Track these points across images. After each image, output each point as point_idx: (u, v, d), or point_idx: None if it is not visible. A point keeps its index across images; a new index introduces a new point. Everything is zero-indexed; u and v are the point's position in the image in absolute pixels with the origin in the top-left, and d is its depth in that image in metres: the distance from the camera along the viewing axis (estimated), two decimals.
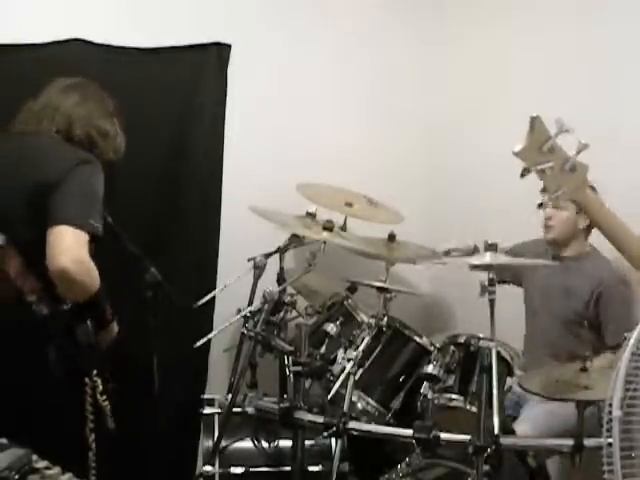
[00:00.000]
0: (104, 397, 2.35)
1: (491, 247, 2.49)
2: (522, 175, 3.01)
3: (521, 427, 2.77)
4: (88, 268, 2.18)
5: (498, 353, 2.40)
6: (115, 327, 2.51)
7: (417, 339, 2.88)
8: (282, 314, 2.91)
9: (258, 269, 3.10)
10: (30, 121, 2.43)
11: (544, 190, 1.80)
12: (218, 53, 3.53)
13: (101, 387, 2.35)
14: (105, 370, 2.37)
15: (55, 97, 2.45)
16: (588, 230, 3.01)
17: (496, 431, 2.21)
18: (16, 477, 1.64)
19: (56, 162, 2.28)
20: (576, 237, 3.05)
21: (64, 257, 2.11)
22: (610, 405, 1.54)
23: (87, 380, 2.34)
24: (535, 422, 2.82)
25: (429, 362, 2.68)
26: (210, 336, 2.91)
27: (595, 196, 1.91)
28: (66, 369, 2.29)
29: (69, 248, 2.13)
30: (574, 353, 2.59)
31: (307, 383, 2.68)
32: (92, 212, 2.22)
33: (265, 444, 2.83)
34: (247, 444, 2.84)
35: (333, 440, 2.71)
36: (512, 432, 2.65)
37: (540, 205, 2.20)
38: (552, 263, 3.04)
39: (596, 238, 2.70)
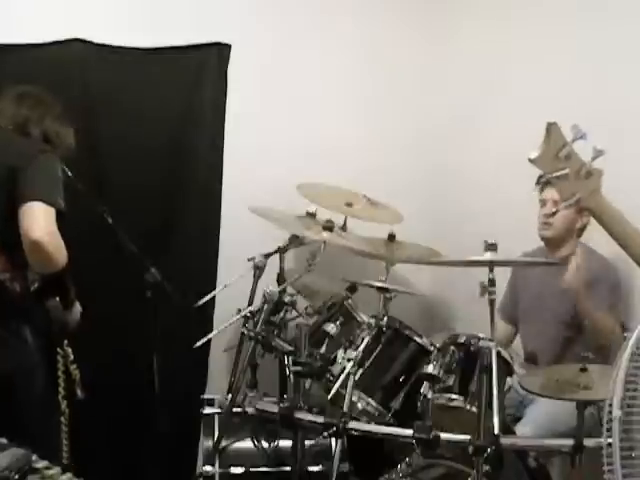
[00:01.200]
0: (74, 366, 2.54)
1: (491, 247, 2.49)
2: (538, 183, 2.99)
3: (523, 430, 2.77)
4: (58, 241, 2.34)
5: (498, 353, 2.39)
6: (79, 307, 2.64)
7: (417, 339, 2.88)
8: (282, 314, 2.90)
9: (258, 269, 3.11)
10: None
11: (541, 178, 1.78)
12: (218, 53, 3.53)
13: (72, 357, 2.54)
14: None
15: (8, 105, 2.60)
16: (582, 230, 3.02)
17: (496, 431, 2.21)
18: (16, 477, 1.64)
19: (20, 150, 2.47)
20: (571, 236, 3.05)
21: (38, 230, 2.29)
22: (610, 405, 1.54)
23: (59, 350, 2.53)
24: (536, 424, 2.82)
25: (429, 362, 2.67)
26: (210, 336, 2.91)
27: (608, 202, 1.86)
28: (43, 342, 2.44)
29: (43, 222, 2.31)
30: (575, 352, 2.60)
31: (307, 383, 2.69)
32: (58, 193, 2.41)
33: (265, 444, 2.83)
34: (247, 444, 2.84)
35: (333, 440, 2.71)
36: (512, 432, 2.65)
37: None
38: (552, 262, 3.03)
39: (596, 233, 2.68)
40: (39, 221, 2.30)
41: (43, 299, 2.49)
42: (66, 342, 2.55)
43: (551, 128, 1.71)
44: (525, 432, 2.75)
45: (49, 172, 2.44)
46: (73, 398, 2.55)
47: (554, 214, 2.98)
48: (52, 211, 2.34)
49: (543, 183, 2.96)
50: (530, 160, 1.72)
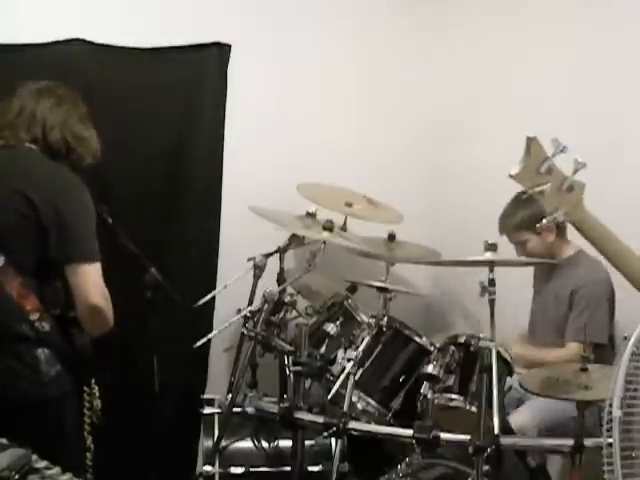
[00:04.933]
0: (97, 402, 2.42)
1: (491, 247, 2.49)
2: (518, 196, 2.99)
3: (520, 417, 2.79)
4: (109, 301, 2.26)
5: (498, 353, 2.40)
6: None
7: (417, 339, 2.89)
8: (282, 314, 2.90)
9: (258, 269, 3.11)
10: (5, 131, 2.36)
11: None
12: (218, 53, 3.52)
13: (97, 394, 2.41)
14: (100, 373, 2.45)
15: (29, 102, 2.37)
16: (562, 235, 3.02)
17: (496, 431, 2.21)
18: (16, 477, 1.64)
19: (46, 182, 2.27)
20: (555, 247, 3.06)
21: (96, 296, 2.21)
22: (610, 405, 1.54)
23: (85, 388, 2.40)
24: (534, 410, 2.83)
25: (429, 362, 2.68)
26: (210, 336, 2.91)
27: (591, 214, 1.85)
28: (59, 371, 2.29)
29: (97, 286, 2.22)
30: None
31: (307, 383, 2.69)
32: (95, 240, 2.28)
33: (265, 444, 2.83)
34: (247, 444, 2.85)
35: (333, 440, 2.71)
36: (512, 432, 2.66)
37: None
38: (552, 261, 3.05)
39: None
40: (95, 286, 2.21)
41: (71, 333, 2.33)
42: (93, 380, 2.41)
43: (531, 143, 1.67)
44: (519, 419, 2.78)
45: (83, 216, 2.28)
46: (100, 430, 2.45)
47: (526, 249, 3.03)
48: (99, 268, 2.24)
49: (505, 232, 3.05)
50: (511, 176, 1.68)
